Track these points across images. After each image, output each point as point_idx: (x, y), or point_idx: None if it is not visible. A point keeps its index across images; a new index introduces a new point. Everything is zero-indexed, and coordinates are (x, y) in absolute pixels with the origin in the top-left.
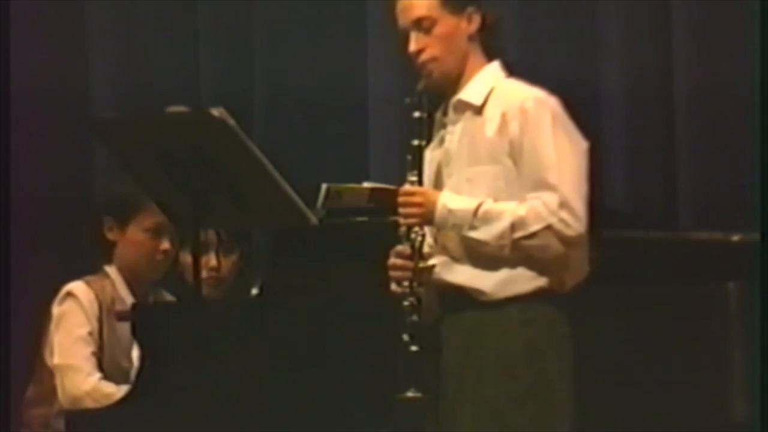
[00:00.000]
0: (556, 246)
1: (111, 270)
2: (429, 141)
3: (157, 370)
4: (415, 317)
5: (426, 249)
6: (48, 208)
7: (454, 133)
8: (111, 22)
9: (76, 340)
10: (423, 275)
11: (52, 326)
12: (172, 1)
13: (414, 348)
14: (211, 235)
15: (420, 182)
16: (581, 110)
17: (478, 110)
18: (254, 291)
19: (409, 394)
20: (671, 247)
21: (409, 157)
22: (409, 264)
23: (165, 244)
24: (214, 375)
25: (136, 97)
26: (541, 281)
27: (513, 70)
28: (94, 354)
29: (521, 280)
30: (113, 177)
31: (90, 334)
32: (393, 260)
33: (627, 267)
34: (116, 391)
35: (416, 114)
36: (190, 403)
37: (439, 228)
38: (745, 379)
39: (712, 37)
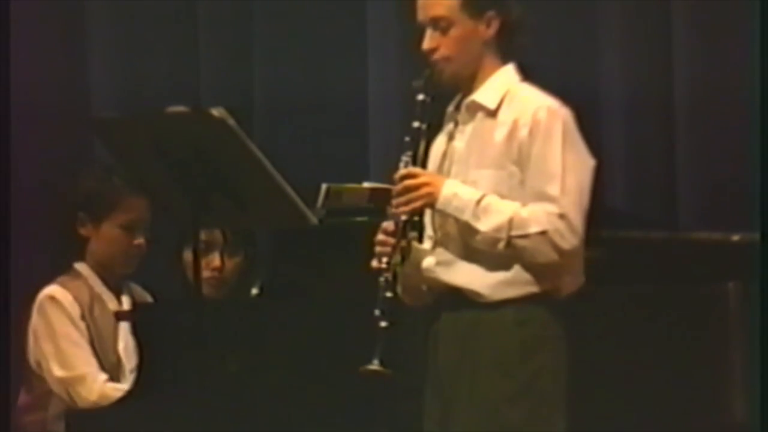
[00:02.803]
0: (548, 253)
1: (82, 267)
2: (431, 125)
3: (158, 370)
4: (388, 293)
5: (426, 242)
6: (48, 209)
7: (464, 133)
8: (111, 22)
9: (71, 346)
10: (403, 253)
11: (37, 335)
12: (172, 1)
13: (383, 324)
14: (217, 235)
15: (414, 163)
16: (582, 110)
17: (492, 113)
18: (254, 291)
19: (372, 367)
20: (671, 247)
21: (408, 139)
22: (390, 240)
23: (139, 239)
24: (214, 375)
25: (136, 97)
26: (536, 287)
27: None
28: (91, 354)
29: (518, 284)
30: (84, 172)
31: (80, 335)
32: (379, 236)
33: (627, 267)
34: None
35: (420, 97)
36: (190, 404)
37: (440, 210)
38: (745, 379)
39: (712, 37)
